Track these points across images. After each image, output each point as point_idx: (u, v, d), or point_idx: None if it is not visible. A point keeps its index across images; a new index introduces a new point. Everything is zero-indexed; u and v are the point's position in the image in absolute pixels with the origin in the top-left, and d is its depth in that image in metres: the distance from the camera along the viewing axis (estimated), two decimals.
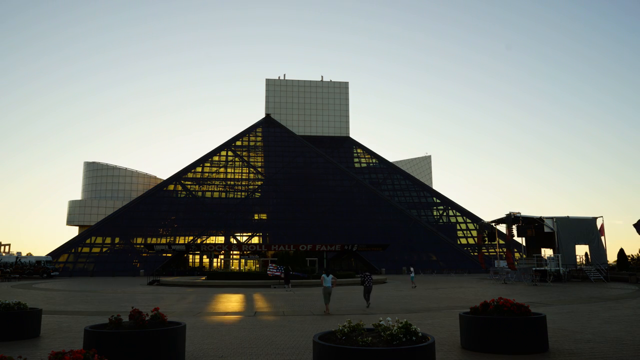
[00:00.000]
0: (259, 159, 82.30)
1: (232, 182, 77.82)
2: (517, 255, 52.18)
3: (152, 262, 62.89)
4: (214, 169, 78.65)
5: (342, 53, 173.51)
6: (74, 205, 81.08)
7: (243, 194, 76.14)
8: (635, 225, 39.33)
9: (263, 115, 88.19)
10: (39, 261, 58.87)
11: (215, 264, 65.62)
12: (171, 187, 75.36)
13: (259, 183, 77.87)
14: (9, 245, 67.93)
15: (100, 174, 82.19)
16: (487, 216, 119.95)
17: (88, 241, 67.99)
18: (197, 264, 67.26)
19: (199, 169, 77.64)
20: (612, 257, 48.90)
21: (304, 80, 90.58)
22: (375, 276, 49.56)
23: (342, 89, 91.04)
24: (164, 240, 68.89)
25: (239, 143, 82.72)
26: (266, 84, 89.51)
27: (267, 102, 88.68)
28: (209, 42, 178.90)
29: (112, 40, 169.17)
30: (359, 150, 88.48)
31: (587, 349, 10.35)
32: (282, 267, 37.71)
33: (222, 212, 72.35)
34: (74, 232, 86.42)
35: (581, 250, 44.06)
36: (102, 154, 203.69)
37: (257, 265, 59.51)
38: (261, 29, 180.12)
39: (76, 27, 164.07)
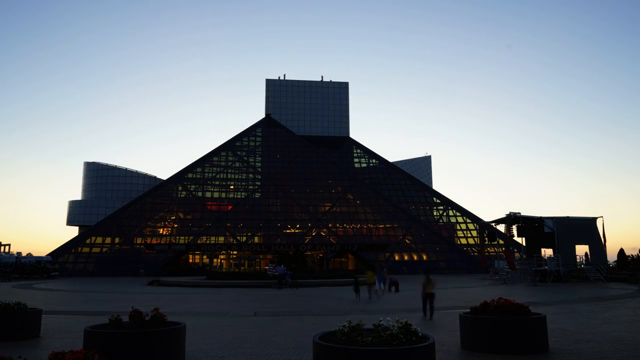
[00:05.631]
0: (259, 159, 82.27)
1: (232, 182, 77.87)
2: (517, 255, 52.19)
3: (152, 262, 62.84)
4: (214, 169, 78.65)
5: (342, 53, 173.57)
6: (74, 205, 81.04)
7: (243, 194, 76.14)
8: None
9: (263, 116, 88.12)
10: (39, 261, 58.83)
11: (215, 264, 65.62)
12: (171, 187, 75.37)
13: (259, 183, 77.85)
14: (9, 245, 67.97)
15: (100, 174, 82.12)
16: (487, 216, 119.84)
17: (88, 241, 67.98)
18: (197, 264, 67.24)
19: (199, 170, 77.62)
20: (612, 257, 48.84)
21: (304, 80, 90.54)
22: None
23: (342, 89, 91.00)
24: (164, 240, 68.86)
25: (239, 143, 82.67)
26: (266, 84, 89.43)
27: (267, 102, 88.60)
28: (209, 42, 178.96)
29: (113, 41, 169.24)
30: (359, 150, 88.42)
31: (587, 349, 10.35)
32: (282, 267, 37.90)
33: (222, 212, 72.36)
34: (74, 232, 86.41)
35: (581, 250, 44.06)
36: (102, 154, 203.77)
37: (257, 266, 59.56)
38: (261, 29, 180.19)
39: (77, 27, 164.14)
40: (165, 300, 24.55)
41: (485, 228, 49.30)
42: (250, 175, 79.13)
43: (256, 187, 77.52)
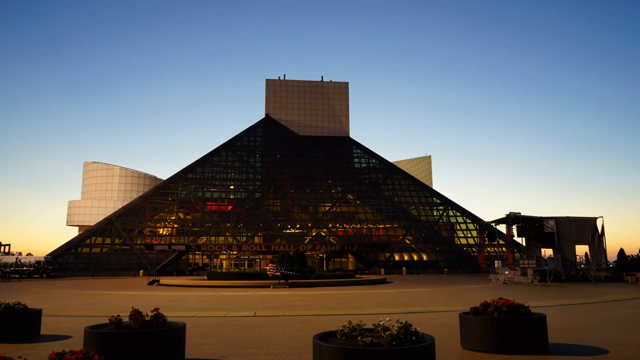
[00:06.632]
0: (259, 159, 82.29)
1: (232, 182, 77.89)
2: (517, 255, 52.18)
3: (152, 262, 62.88)
4: (215, 169, 78.66)
5: (342, 53, 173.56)
6: (74, 205, 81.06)
7: (243, 194, 76.14)
8: None
9: (263, 116, 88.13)
10: (38, 261, 58.86)
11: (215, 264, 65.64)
12: (171, 187, 75.37)
13: (259, 183, 77.86)
14: (9, 245, 67.89)
15: (100, 174, 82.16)
16: (487, 216, 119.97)
17: (88, 241, 67.99)
18: (197, 264, 67.25)
19: (199, 170, 77.63)
20: (612, 257, 48.87)
21: (304, 80, 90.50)
22: (375, 276, 49.64)
23: (342, 89, 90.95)
24: (164, 240, 68.85)
25: (239, 143, 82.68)
26: (266, 84, 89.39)
27: (267, 102, 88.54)
28: (209, 43, 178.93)
29: (113, 41, 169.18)
30: (359, 150, 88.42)
31: (587, 349, 10.35)
32: (282, 267, 37.89)
33: (222, 212, 72.36)
34: (74, 232, 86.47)
35: (581, 250, 44.05)
36: (102, 154, 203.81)
37: (257, 266, 59.51)
38: (261, 29, 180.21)
39: (77, 27, 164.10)
40: (165, 300, 24.55)
41: (485, 228, 49.25)
42: (250, 175, 79.14)
43: (256, 187, 77.53)
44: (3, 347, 10.90)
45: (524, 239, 46.20)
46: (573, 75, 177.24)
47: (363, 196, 75.37)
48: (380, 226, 72.43)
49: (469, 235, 73.73)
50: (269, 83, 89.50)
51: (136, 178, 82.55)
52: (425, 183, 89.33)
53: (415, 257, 68.16)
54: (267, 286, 34.63)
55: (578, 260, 42.86)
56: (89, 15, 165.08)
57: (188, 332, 11.15)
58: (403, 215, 73.16)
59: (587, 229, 42.52)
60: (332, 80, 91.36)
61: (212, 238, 68.83)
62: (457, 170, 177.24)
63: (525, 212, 44.01)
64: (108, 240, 68.54)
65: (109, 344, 8.37)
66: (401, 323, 7.23)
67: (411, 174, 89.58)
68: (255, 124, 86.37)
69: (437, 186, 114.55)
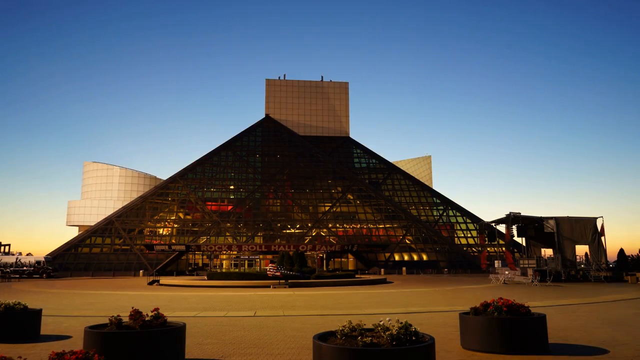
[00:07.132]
0: (259, 159, 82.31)
1: (232, 182, 77.92)
2: (517, 255, 52.20)
3: (152, 262, 62.89)
4: (215, 169, 78.69)
5: (342, 53, 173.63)
6: (73, 206, 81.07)
7: (243, 194, 76.17)
8: None
9: (263, 116, 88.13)
10: (38, 261, 58.89)
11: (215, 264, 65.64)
12: (171, 187, 75.40)
13: (259, 183, 77.89)
14: (9, 245, 67.90)
15: (100, 174, 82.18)
16: (487, 216, 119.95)
17: (88, 241, 68.00)
18: (197, 264, 67.27)
19: (200, 169, 77.66)
20: (612, 257, 48.87)
21: (304, 80, 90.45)
22: (375, 276, 49.66)
23: (342, 89, 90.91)
24: (164, 240, 68.86)
25: (239, 143, 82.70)
26: (266, 84, 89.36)
27: (267, 102, 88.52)
28: (209, 43, 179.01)
29: (113, 40, 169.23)
30: (359, 150, 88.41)
31: (587, 349, 10.36)
32: (282, 267, 37.94)
33: (222, 212, 72.36)
34: (74, 232, 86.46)
35: (581, 250, 44.06)
36: (102, 154, 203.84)
37: (257, 266, 59.53)
38: (261, 29, 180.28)
39: (77, 26, 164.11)
40: (165, 300, 24.55)
41: (485, 228, 49.26)
42: (250, 175, 79.16)
43: (256, 187, 77.55)
44: (3, 347, 10.91)
45: (524, 239, 46.21)
46: (573, 74, 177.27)
47: (363, 196, 75.39)
48: (380, 226, 72.43)
49: (469, 235, 73.74)
50: (269, 83, 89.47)
51: (136, 178, 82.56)
52: (425, 183, 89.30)
53: (415, 257, 68.17)
54: (267, 286, 34.63)
55: (578, 260, 42.87)
56: (90, 15, 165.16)
57: (188, 332, 11.15)
58: (403, 215, 73.16)
59: (587, 229, 42.52)
60: (332, 80, 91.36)
61: (212, 238, 68.83)
62: (457, 170, 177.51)
63: (525, 212, 44.02)
64: (108, 241, 68.56)
65: (109, 344, 8.37)
66: (401, 323, 7.23)
67: (411, 174, 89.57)
68: (255, 124, 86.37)
69: (437, 186, 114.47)
